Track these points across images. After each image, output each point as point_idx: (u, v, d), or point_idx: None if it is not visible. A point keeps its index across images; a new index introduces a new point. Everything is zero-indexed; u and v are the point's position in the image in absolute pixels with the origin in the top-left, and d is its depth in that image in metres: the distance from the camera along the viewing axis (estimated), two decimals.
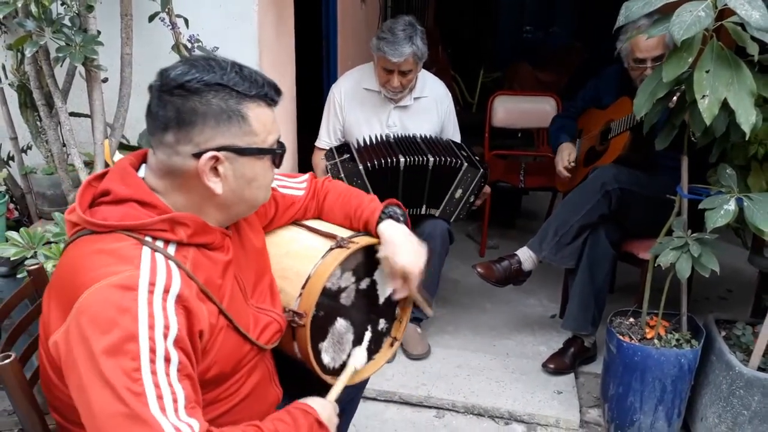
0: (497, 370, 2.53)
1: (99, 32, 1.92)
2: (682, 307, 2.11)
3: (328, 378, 1.38)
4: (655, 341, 2.08)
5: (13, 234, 1.82)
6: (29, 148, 2.26)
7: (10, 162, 2.30)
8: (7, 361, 1.13)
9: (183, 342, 1.01)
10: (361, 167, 2.45)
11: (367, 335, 1.48)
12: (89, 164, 2.03)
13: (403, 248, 1.42)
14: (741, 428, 1.96)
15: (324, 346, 1.38)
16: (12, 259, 1.80)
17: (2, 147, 2.28)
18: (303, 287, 1.32)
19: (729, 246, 2.20)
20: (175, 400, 0.97)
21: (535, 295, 3.15)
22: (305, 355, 1.33)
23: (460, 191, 2.53)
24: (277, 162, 1.18)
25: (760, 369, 1.93)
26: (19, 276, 1.89)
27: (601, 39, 2.56)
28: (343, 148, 2.71)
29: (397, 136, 2.62)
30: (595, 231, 2.44)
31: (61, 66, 1.98)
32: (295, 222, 1.52)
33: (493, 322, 2.92)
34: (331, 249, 1.36)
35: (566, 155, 2.85)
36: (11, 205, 2.25)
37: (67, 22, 1.85)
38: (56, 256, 1.75)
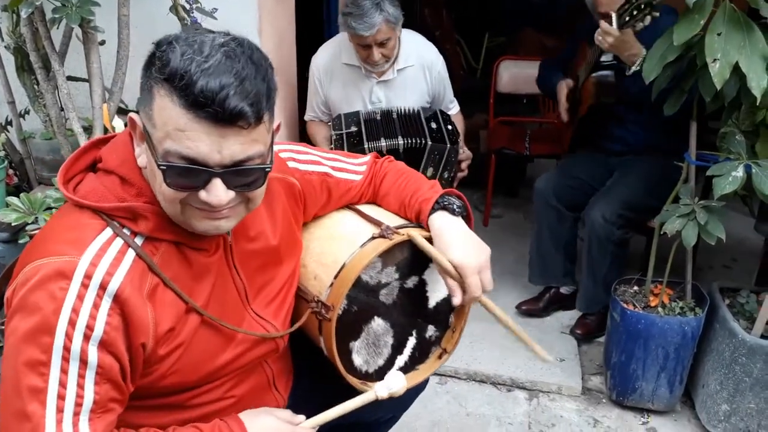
0: (499, 338, 2.53)
1: None
2: (687, 275, 2.11)
3: (355, 381, 1.24)
4: (659, 309, 2.08)
5: (13, 199, 1.80)
6: (27, 112, 2.23)
7: (9, 127, 2.27)
8: None
9: (112, 345, 0.93)
10: None
11: (411, 341, 1.32)
12: (88, 129, 2.01)
13: (455, 242, 1.21)
14: (742, 395, 1.96)
15: (356, 345, 1.24)
16: (13, 224, 1.79)
17: (0, 111, 2.25)
18: (335, 276, 1.19)
19: (734, 214, 2.18)
20: (78, 404, 0.91)
21: None
22: (330, 353, 1.20)
23: (431, 170, 2.34)
24: (165, 179, 0.92)
25: (763, 336, 1.93)
26: (20, 241, 1.88)
27: None
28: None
29: (375, 115, 2.45)
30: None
31: (58, 28, 1.93)
32: (348, 205, 1.39)
33: (495, 290, 2.90)
34: (373, 237, 1.21)
35: (563, 94, 2.68)
36: (11, 171, 2.23)
37: None
38: None
